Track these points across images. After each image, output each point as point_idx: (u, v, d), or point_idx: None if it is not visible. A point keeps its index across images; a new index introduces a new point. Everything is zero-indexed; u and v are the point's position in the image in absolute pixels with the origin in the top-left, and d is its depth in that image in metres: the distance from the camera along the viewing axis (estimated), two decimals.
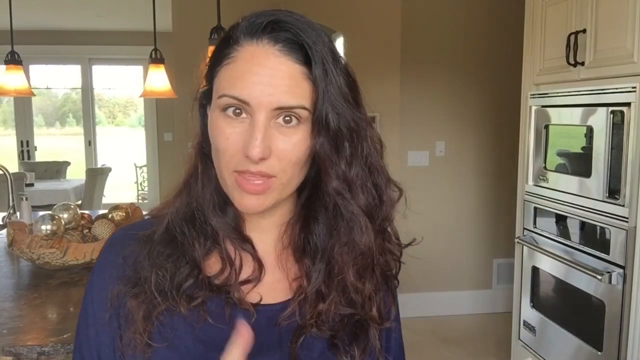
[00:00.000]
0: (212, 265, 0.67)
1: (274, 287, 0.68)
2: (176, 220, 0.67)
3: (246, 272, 0.67)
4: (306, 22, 0.62)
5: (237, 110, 0.60)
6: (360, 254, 0.65)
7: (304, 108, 0.60)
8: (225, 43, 0.63)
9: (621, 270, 1.90)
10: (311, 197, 0.69)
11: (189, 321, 0.64)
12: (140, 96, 3.20)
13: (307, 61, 0.61)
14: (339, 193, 0.64)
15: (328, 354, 0.67)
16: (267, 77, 0.59)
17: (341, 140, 0.62)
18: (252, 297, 0.66)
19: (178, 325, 0.64)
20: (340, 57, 0.64)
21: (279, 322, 0.66)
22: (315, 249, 0.68)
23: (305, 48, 0.61)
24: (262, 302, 0.66)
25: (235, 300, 0.65)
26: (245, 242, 0.68)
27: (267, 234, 0.70)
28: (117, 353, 0.64)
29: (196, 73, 0.68)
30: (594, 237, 2.07)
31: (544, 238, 2.41)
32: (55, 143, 8.70)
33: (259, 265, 0.68)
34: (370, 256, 0.66)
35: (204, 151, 0.68)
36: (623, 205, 1.88)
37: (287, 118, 0.61)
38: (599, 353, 2.03)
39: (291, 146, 0.61)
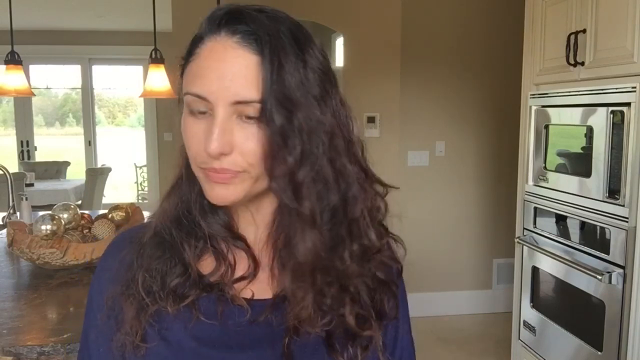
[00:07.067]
0: (207, 266, 0.66)
1: (266, 282, 0.68)
2: (164, 223, 0.67)
3: (240, 269, 0.67)
4: (269, 13, 0.60)
5: (201, 108, 0.60)
6: (299, 260, 0.61)
7: (260, 103, 0.58)
8: (194, 41, 0.63)
9: (621, 270, 1.90)
10: None
11: (182, 319, 0.64)
12: (140, 96, 3.20)
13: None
14: (280, 193, 0.60)
15: (322, 351, 0.65)
16: (224, 70, 0.58)
17: (290, 138, 0.58)
18: (245, 293, 0.66)
19: (170, 323, 0.64)
20: (313, 52, 0.60)
21: (264, 318, 0.65)
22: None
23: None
24: (254, 298, 0.66)
25: (229, 297, 0.64)
26: (237, 239, 0.67)
27: (260, 230, 0.69)
28: (114, 354, 0.64)
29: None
30: (594, 237, 2.07)
31: (544, 238, 2.41)
32: (55, 143, 8.69)
33: (254, 261, 0.67)
34: (311, 264, 0.61)
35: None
36: (623, 205, 1.88)
37: (247, 113, 0.58)
38: (599, 353, 2.03)
39: (254, 141, 0.58)
